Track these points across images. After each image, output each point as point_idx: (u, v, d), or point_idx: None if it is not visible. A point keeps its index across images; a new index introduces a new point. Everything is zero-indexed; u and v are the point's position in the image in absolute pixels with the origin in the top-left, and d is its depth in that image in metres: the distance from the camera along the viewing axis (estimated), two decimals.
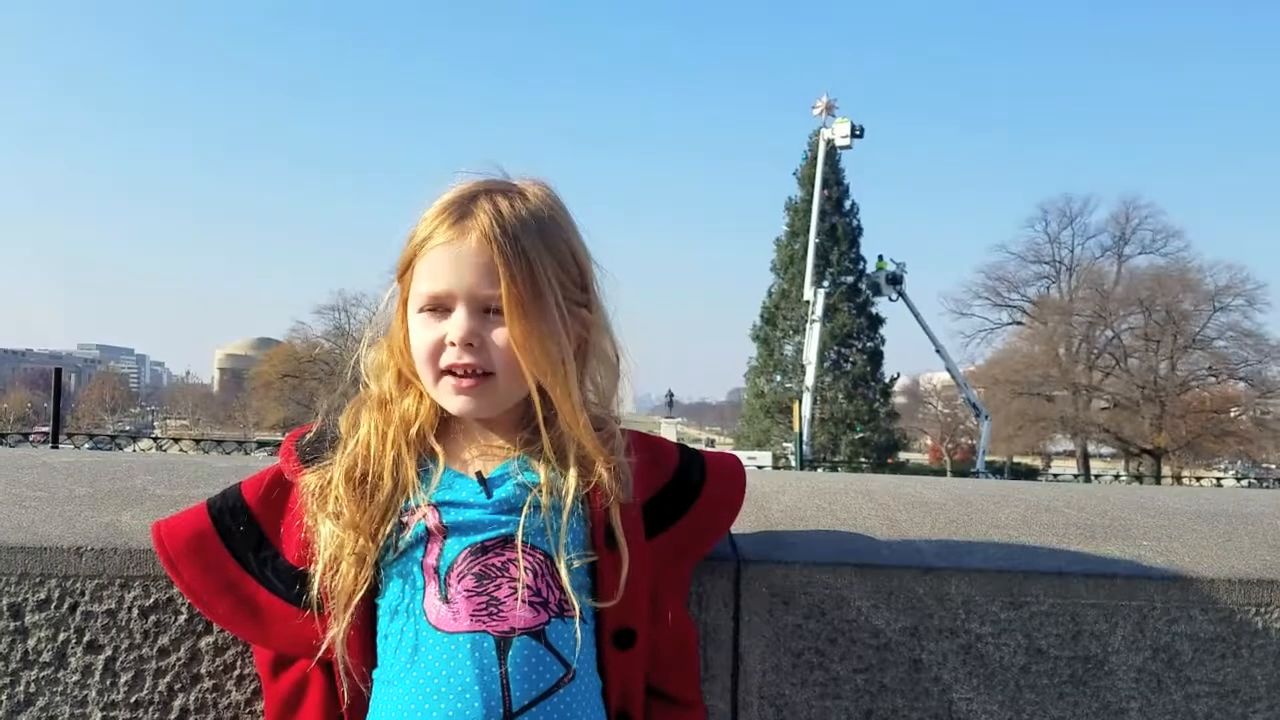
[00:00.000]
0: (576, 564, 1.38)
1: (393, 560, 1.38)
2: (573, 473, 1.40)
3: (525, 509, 1.38)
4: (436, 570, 1.36)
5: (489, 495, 1.40)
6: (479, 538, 1.37)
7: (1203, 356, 47.55)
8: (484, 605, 1.35)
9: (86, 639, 1.59)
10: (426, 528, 1.38)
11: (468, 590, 1.35)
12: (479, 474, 1.42)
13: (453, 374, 1.39)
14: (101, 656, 1.59)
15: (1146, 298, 47.22)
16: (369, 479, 1.38)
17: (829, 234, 44.41)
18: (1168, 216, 51.31)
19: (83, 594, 1.59)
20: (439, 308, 1.39)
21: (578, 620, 1.36)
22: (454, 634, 1.34)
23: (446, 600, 1.35)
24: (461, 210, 1.39)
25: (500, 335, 1.37)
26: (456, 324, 1.37)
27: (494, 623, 1.34)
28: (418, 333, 1.41)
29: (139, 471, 1.90)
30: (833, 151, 40.62)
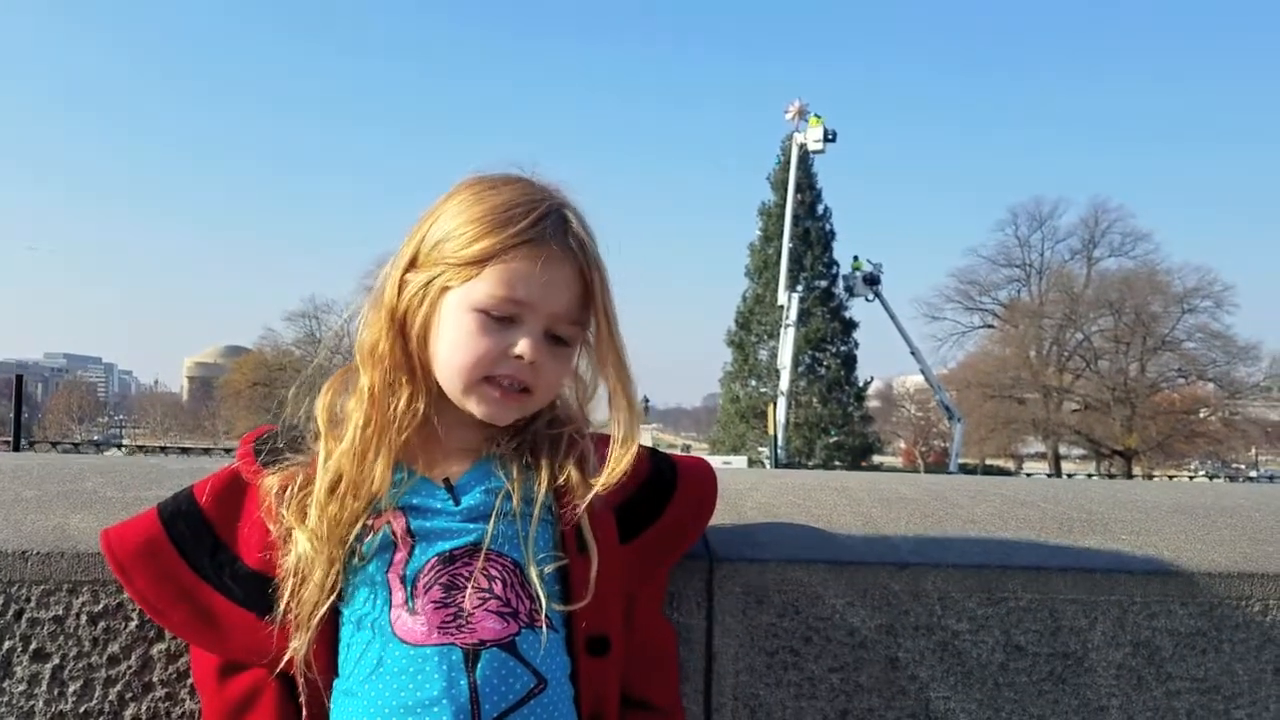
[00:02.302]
0: (548, 569, 1.34)
1: (357, 566, 1.34)
2: (544, 475, 1.36)
3: (494, 516, 1.34)
4: (403, 579, 1.32)
5: (457, 502, 1.36)
6: (446, 546, 1.33)
7: (1172, 358, 48.06)
8: (451, 617, 1.31)
9: (33, 647, 1.52)
10: (393, 534, 1.33)
11: (434, 601, 1.31)
12: (446, 480, 1.38)
13: (498, 384, 1.33)
14: (49, 665, 1.53)
15: (1116, 300, 47.68)
16: (347, 485, 1.33)
17: (802, 238, 44.58)
18: (1137, 220, 51.82)
19: (29, 600, 1.52)
20: (507, 316, 1.32)
21: (545, 629, 1.33)
22: (421, 646, 1.30)
23: (413, 611, 1.31)
24: (556, 226, 1.33)
25: (558, 364, 1.37)
26: (529, 341, 1.32)
27: (462, 635, 1.30)
28: (473, 334, 1.32)
29: (90, 474, 1.83)
30: (805, 156, 40.73)
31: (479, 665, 1.29)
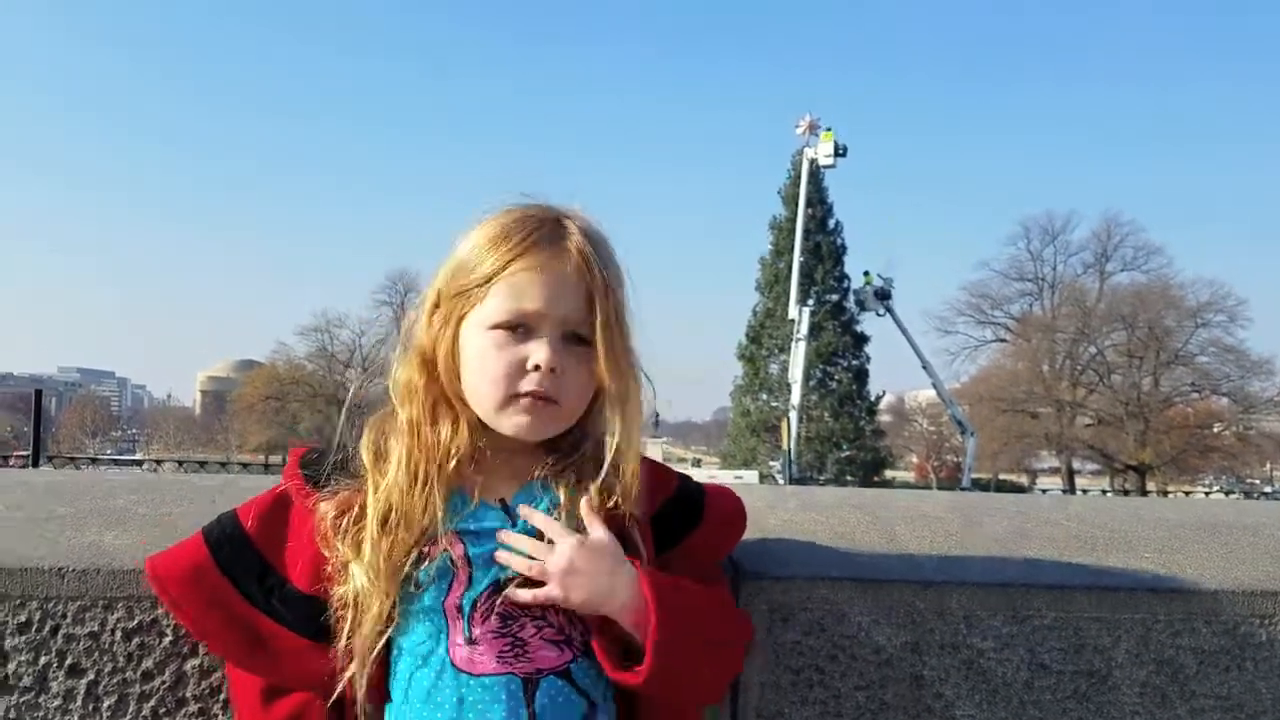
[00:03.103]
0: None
1: (414, 594, 1.34)
2: (594, 492, 1.36)
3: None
4: (459, 609, 1.33)
5: (514, 522, 1.37)
6: (504, 574, 1.34)
7: (1185, 372, 47.81)
8: (509, 646, 1.32)
9: (69, 662, 1.54)
10: (451, 560, 1.34)
11: (492, 631, 1.32)
12: (502, 500, 1.39)
13: (526, 398, 1.34)
14: (84, 680, 1.55)
15: (1129, 314, 47.50)
16: (398, 517, 1.33)
17: (813, 252, 44.55)
18: (1149, 234, 51.62)
19: (64, 616, 1.54)
20: (520, 328, 1.34)
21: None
22: (480, 676, 1.31)
23: (471, 640, 1.32)
24: (552, 232, 1.36)
25: (581, 366, 1.36)
26: (544, 349, 1.33)
27: (520, 664, 1.32)
28: (488, 352, 1.34)
29: (121, 491, 1.86)
30: (816, 171, 40.82)
31: (537, 694, 1.31)
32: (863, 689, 1.70)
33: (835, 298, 46.37)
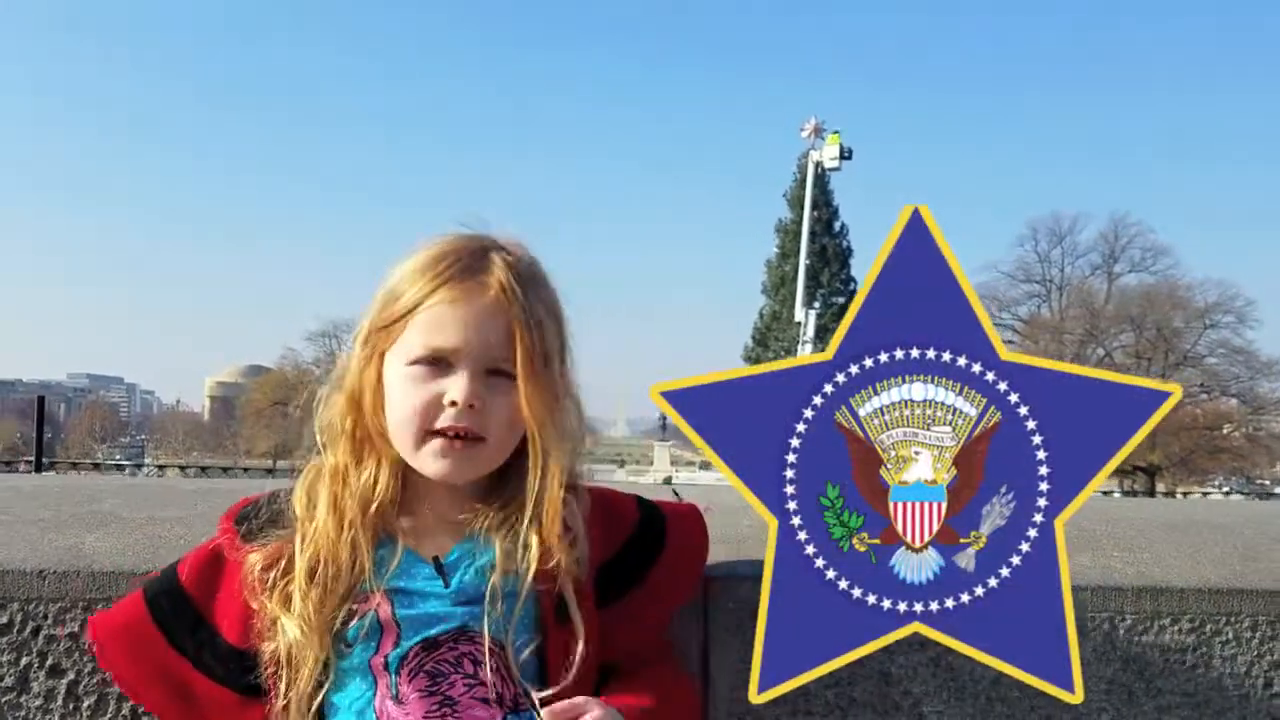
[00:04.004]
0: (526, 653, 1.34)
1: (343, 653, 1.32)
2: (534, 552, 1.32)
3: (486, 600, 1.32)
4: (386, 667, 1.31)
5: (447, 584, 1.34)
6: (432, 632, 1.32)
7: (1194, 374, 47.62)
8: (438, 706, 1.30)
9: (49, 663, 1.58)
10: (379, 619, 1.32)
11: (420, 690, 1.30)
12: (435, 558, 1.36)
13: (443, 435, 1.30)
14: (64, 680, 1.58)
15: (1137, 315, 47.38)
16: (327, 568, 1.30)
17: (819, 255, 44.59)
18: (1157, 235, 51.44)
19: (45, 617, 1.58)
20: (438, 363, 1.30)
21: (528, 711, 1.32)
22: None
23: (398, 700, 1.30)
24: (473, 264, 1.32)
25: (503, 401, 1.31)
26: (460, 384, 1.29)
27: None
28: (405, 388, 1.31)
29: (106, 495, 1.89)
30: (822, 173, 40.79)
31: None
32: (832, 686, 1.72)
33: (842, 300, 46.34)
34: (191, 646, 1.36)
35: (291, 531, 1.34)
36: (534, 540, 1.33)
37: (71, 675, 1.58)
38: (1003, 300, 54.17)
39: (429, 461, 1.32)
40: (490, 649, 1.31)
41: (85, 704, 1.58)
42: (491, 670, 1.31)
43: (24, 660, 1.57)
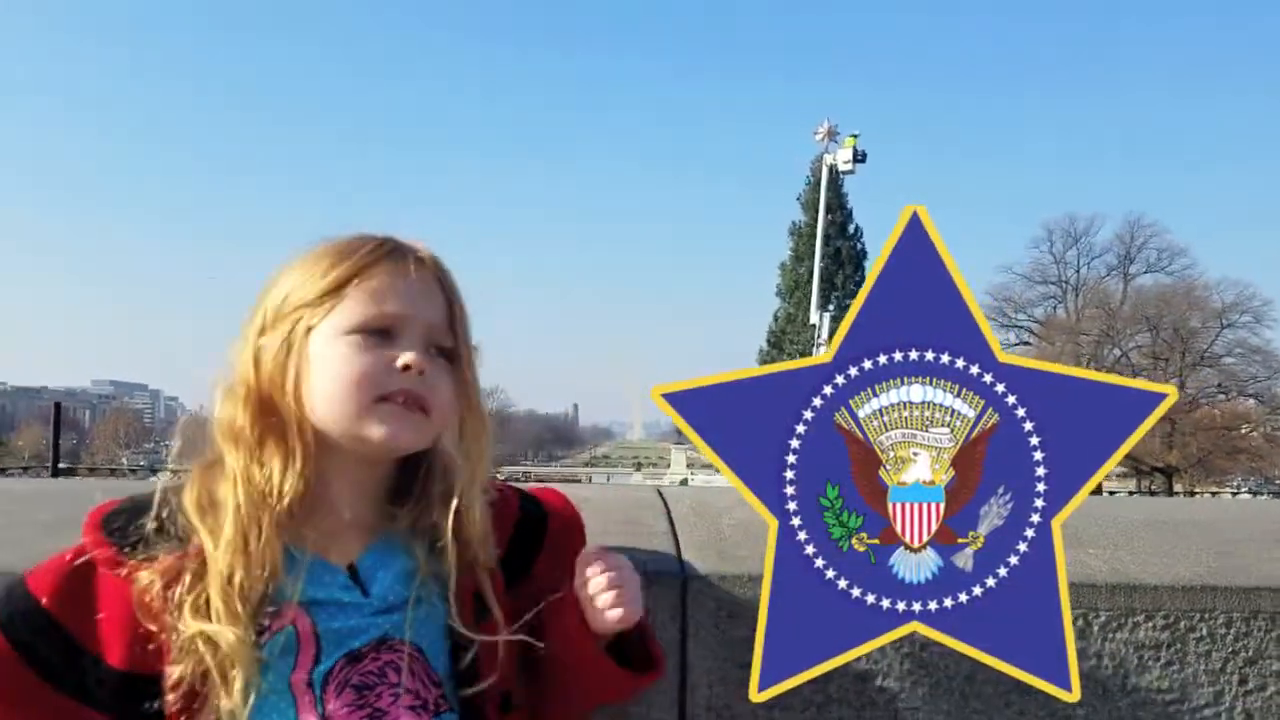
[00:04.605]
0: (444, 655, 1.33)
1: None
2: (450, 551, 1.32)
3: (410, 607, 1.31)
4: (309, 684, 1.26)
5: (365, 592, 1.31)
6: (356, 644, 1.29)
7: (1211, 374, 47.31)
8: (368, 718, 1.27)
9: None
10: (297, 634, 1.26)
11: (349, 704, 1.26)
12: (351, 566, 1.32)
13: (391, 401, 1.27)
14: None
15: (1153, 316, 47.08)
16: (240, 579, 1.21)
17: (833, 258, 44.55)
18: (1172, 235, 51.12)
19: None
20: (381, 332, 1.28)
21: (451, 713, 1.33)
22: None
23: (325, 717, 1.26)
24: (401, 246, 1.33)
25: (445, 379, 1.32)
26: (411, 350, 1.27)
27: None
28: (348, 356, 1.26)
29: (101, 496, 1.92)
30: (836, 176, 40.75)
31: None
32: (809, 683, 1.74)
33: None
34: (69, 676, 1.23)
35: (185, 544, 1.24)
36: (456, 538, 1.32)
37: None
38: (1018, 302, 53.90)
39: (375, 427, 1.27)
40: (412, 654, 1.31)
41: None
42: (414, 676, 1.30)
43: None
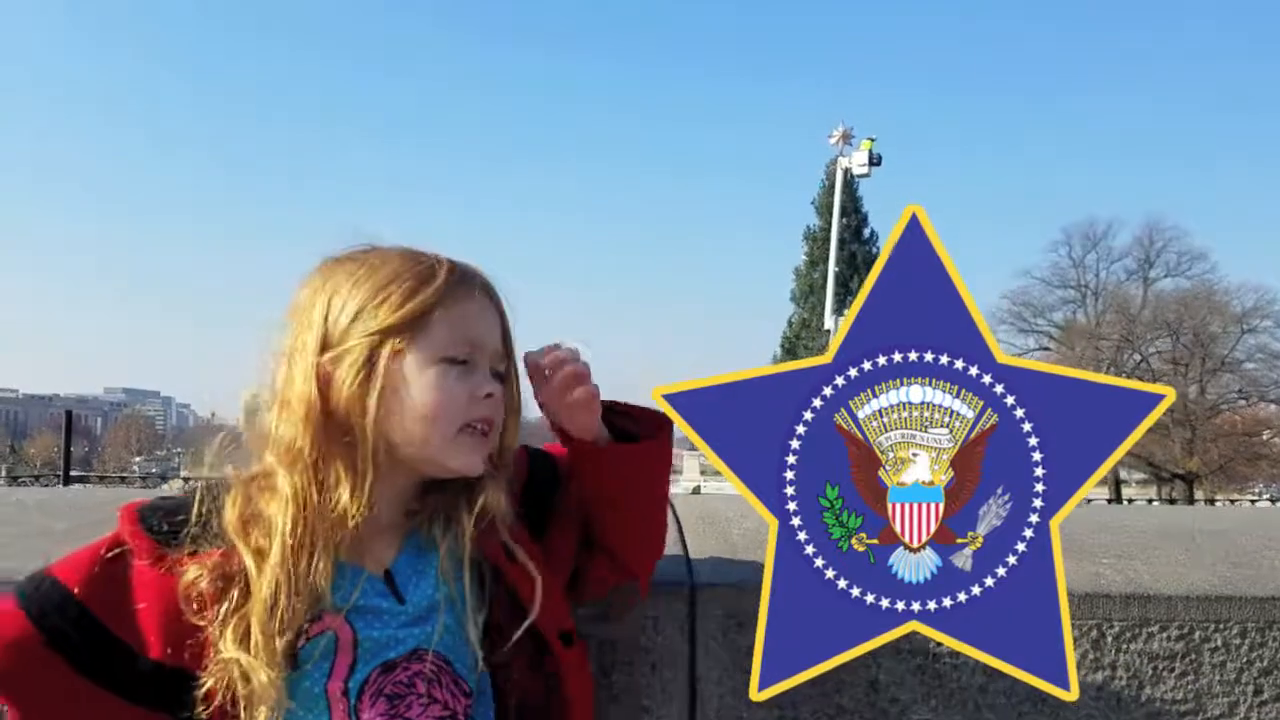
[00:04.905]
0: (480, 666, 1.33)
1: (294, 678, 1.25)
2: (466, 527, 1.34)
3: (440, 613, 1.32)
4: (344, 693, 1.27)
5: (401, 600, 1.32)
6: (391, 655, 1.30)
7: (1232, 379, 47.00)
8: None
9: None
10: (336, 641, 1.27)
11: (381, 715, 1.27)
12: (387, 572, 1.33)
13: (472, 429, 1.32)
14: None
15: (1173, 321, 46.81)
16: (290, 600, 1.21)
17: (848, 262, 44.39)
18: (1192, 239, 50.74)
19: None
20: (465, 359, 1.32)
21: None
22: None
23: None
24: (467, 272, 1.36)
25: (503, 397, 1.38)
26: (487, 378, 1.34)
27: None
28: (442, 385, 1.29)
29: (108, 506, 1.92)
30: (850, 180, 40.70)
31: None
32: (819, 694, 1.73)
33: None
34: (107, 672, 1.20)
35: (226, 548, 1.24)
36: (464, 516, 1.35)
37: None
38: (1037, 306, 53.66)
39: (458, 455, 1.31)
40: (440, 665, 1.32)
41: None
42: (441, 686, 1.31)
43: None
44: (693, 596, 1.73)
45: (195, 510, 1.25)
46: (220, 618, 1.20)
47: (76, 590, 1.20)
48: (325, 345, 1.29)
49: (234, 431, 1.35)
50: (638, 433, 1.50)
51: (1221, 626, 1.76)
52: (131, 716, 1.22)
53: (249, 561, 1.22)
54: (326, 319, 1.30)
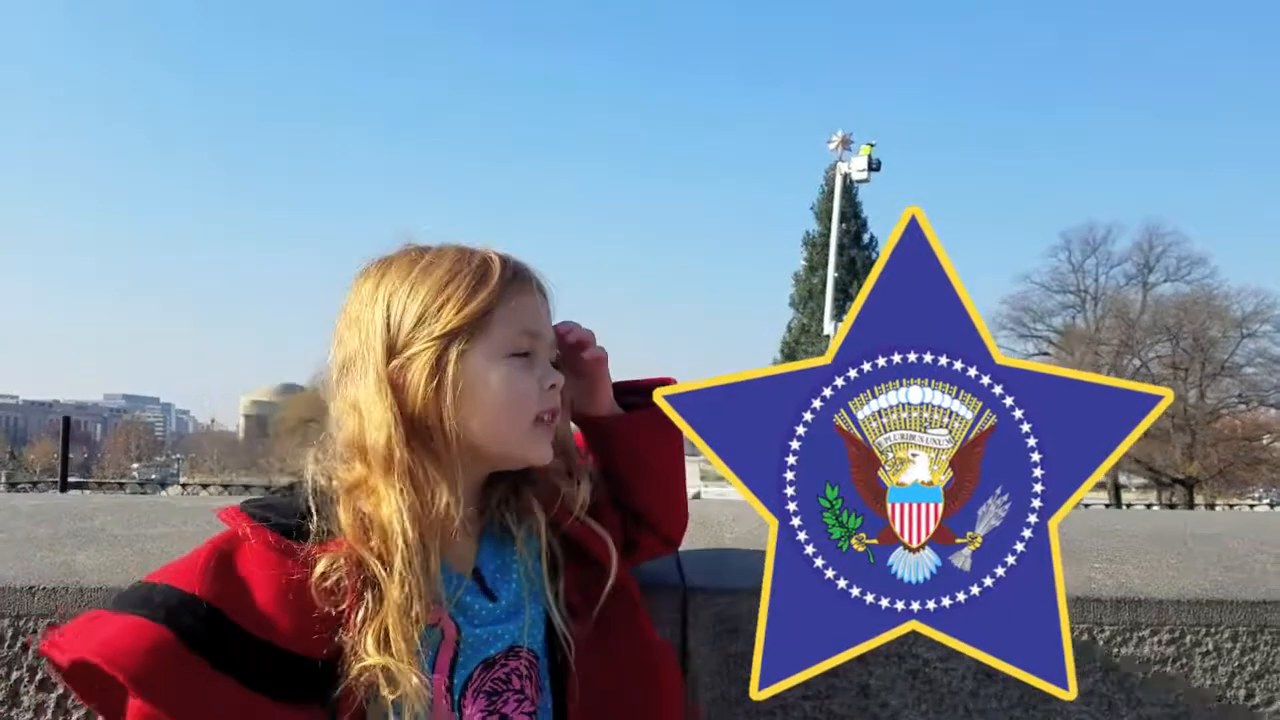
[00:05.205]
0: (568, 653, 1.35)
1: None
2: (537, 512, 1.40)
3: (526, 608, 1.36)
4: (448, 689, 1.30)
5: (493, 597, 1.36)
6: (490, 651, 1.33)
7: (1232, 384, 46.99)
8: None
9: (39, 677, 1.61)
10: (442, 637, 1.30)
11: (481, 711, 1.31)
12: (475, 571, 1.37)
13: (542, 420, 1.37)
14: (54, 694, 1.61)
15: (1173, 326, 46.83)
16: (416, 611, 1.23)
17: (848, 268, 44.42)
18: (1192, 244, 50.85)
19: (35, 632, 1.62)
20: (527, 353, 1.36)
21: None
22: None
23: None
24: (519, 267, 1.39)
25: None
26: (549, 369, 1.38)
27: None
28: (516, 377, 1.33)
29: (100, 513, 1.94)
30: (850, 185, 40.74)
31: None
32: (810, 699, 1.73)
33: None
34: (241, 668, 1.16)
35: (348, 547, 1.25)
36: (534, 502, 1.41)
37: (60, 690, 1.61)
38: (1037, 311, 53.70)
39: (536, 446, 1.37)
40: (529, 659, 1.36)
41: (74, 717, 1.62)
42: (531, 683, 1.35)
43: (14, 674, 1.61)
44: (684, 601, 1.73)
45: (310, 506, 1.26)
46: (358, 623, 1.21)
47: (197, 590, 1.17)
48: (391, 351, 1.30)
49: (320, 440, 1.37)
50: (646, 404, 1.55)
51: (1213, 630, 1.76)
52: (278, 714, 1.18)
53: (376, 567, 1.23)
54: (389, 324, 1.31)
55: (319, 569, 1.21)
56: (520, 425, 1.34)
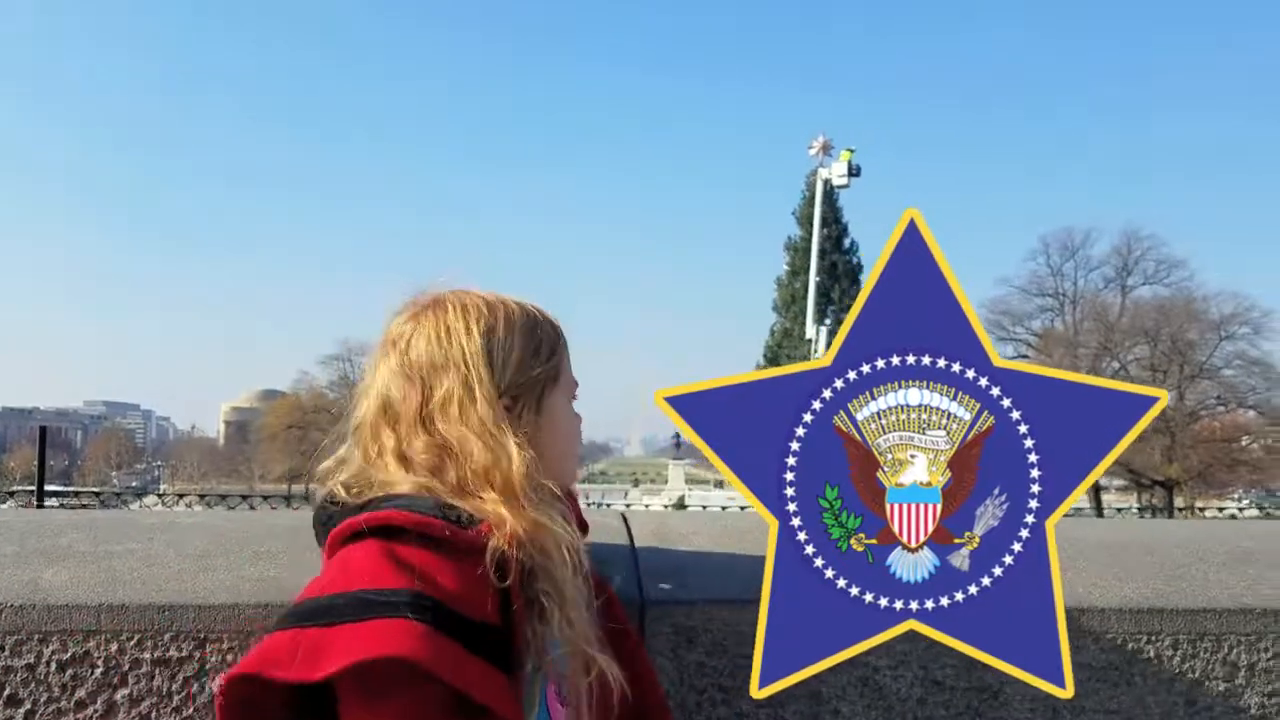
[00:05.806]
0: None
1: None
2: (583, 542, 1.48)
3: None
4: (562, 701, 1.41)
5: None
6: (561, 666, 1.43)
7: (1211, 386, 47.27)
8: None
9: (6, 693, 1.64)
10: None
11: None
12: None
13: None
14: (21, 710, 1.64)
15: (1152, 328, 47.11)
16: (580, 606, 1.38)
17: (829, 272, 44.57)
18: (1170, 248, 51.15)
19: (3, 649, 1.64)
20: (575, 396, 1.56)
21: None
22: None
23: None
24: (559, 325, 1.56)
25: None
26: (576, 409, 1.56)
27: None
28: (572, 419, 1.54)
29: (68, 530, 1.96)
30: (830, 191, 40.91)
31: None
32: (764, 706, 1.78)
33: None
34: (472, 647, 1.24)
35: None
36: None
37: (28, 705, 1.64)
38: (1016, 315, 53.90)
39: (576, 471, 1.58)
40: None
41: None
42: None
43: None
44: (642, 614, 1.77)
45: (465, 516, 1.32)
46: (534, 616, 1.32)
47: (405, 585, 1.21)
48: (501, 392, 1.43)
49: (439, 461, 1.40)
50: None
51: (1154, 638, 1.82)
52: (509, 683, 1.26)
53: (548, 566, 1.33)
54: (491, 365, 1.43)
55: (492, 544, 1.28)
56: (575, 454, 1.55)
